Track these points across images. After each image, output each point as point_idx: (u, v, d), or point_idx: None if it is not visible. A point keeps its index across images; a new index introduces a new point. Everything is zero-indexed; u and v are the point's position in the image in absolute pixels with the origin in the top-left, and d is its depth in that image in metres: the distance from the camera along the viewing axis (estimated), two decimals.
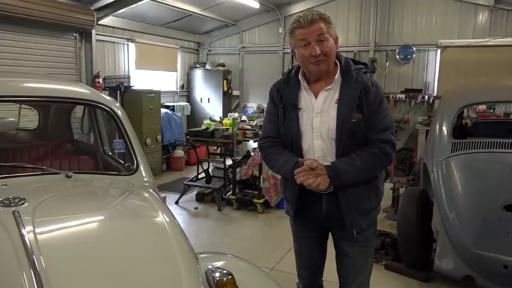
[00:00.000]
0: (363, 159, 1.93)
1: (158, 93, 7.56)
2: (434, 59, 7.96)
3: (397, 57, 8.12)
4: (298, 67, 2.07)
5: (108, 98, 2.67)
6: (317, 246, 2.25)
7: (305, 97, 2.01)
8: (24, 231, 1.49)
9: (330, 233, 2.24)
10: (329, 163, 1.94)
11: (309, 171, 1.88)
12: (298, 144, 2.00)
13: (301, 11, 8.27)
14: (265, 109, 2.18)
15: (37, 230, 1.52)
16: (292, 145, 2.02)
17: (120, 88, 6.93)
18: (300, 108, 2.00)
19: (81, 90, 2.64)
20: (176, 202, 5.89)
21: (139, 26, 7.87)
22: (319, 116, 1.96)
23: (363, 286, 2.18)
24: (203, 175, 6.27)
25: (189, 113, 9.26)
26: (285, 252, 4.17)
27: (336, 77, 1.98)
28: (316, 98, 1.99)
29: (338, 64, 2.00)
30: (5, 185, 1.97)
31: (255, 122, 6.52)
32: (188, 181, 6.14)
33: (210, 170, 6.44)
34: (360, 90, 1.93)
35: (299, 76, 2.04)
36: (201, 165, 6.32)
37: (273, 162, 2.08)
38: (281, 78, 2.13)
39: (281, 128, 2.05)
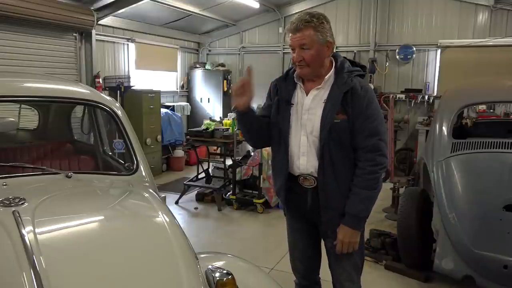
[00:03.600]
0: (361, 186, 1.98)
1: (158, 93, 7.56)
2: (434, 59, 7.96)
3: (397, 57, 8.12)
4: None
5: (108, 98, 2.67)
6: (309, 240, 2.30)
7: (298, 95, 2.10)
8: (24, 231, 1.49)
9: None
10: (312, 164, 2.03)
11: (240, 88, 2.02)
12: (285, 138, 2.09)
13: (301, 11, 8.25)
14: None
15: (37, 230, 1.52)
16: (280, 138, 2.10)
17: (120, 88, 6.92)
18: (293, 104, 2.09)
19: (81, 90, 2.64)
20: (176, 202, 5.88)
21: (139, 26, 7.87)
22: (307, 114, 2.05)
23: (351, 281, 2.19)
24: (203, 175, 6.27)
25: (189, 113, 9.26)
26: (285, 252, 4.15)
27: (327, 77, 2.04)
28: (307, 96, 2.07)
29: (334, 65, 2.07)
30: (5, 185, 1.96)
31: None
32: (188, 181, 6.14)
33: (210, 170, 6.43)
34: (345, 92, 1.97)
35: (295, 74, 2.12)
36: (201, 165, 6.32)
37: None
38: (281, 75, 2.22)
39: (273, 120, 2.15)
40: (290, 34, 1.98)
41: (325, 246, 2.24)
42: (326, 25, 1.97)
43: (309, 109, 2.04)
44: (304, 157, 2.05)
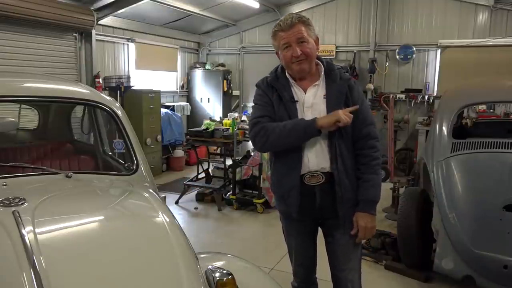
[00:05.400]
0: (370, 172, 2.09)
1: (158, 93, 7.56)
2: (434, 59, 7.96)
3: (397, 57, 8.13)
4: (282, 66, 2.18)
5: (108, 98, 2.67)
6: (310, 240, 2.31)
7: (296, 92, 2.12)
8: (24, 231, 1.49)
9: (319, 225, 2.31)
10: (322, 160, 2.05)
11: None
12: None
13: (301, 11, 8.31)
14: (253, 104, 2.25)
15: (37, 230, 1.52)
16: None
17: (120, 88, 6.92)
18: (297, 101, 2.10)
19: (81, 90, 2.64)
20: (176, 202, 5.88)
21: (139, 26, 7.87)
22: (310, 110, 2.08)
23: (355, 271, 2.23)
24: (203, 175, 6.27)
25: (189, 113, 9.26)
26: (285, 252, 4.14)
27: (322, 74, 2.12)
28: (305, 93, 2.11)
29: (321, 65, 2.14)
30: (5, 185, 1.96)
31: None
32: (188, 181, 6.14)
33: (210, 170, 6.43)
34: (347, 86, 2.08)
35: (286, 74, 2.14)
36: (201, 165, 6.32)
37: (278, 129, 2.02)
38: (269, 76, 2.21)
39: (278, 120, 2.11)
40: (282, 32, 2.02)
41: (331, 237, 2.22)
42: (311, 23, 2.09)
43: (312, 105, 2.07)
44: (313, 154, 2.06)
